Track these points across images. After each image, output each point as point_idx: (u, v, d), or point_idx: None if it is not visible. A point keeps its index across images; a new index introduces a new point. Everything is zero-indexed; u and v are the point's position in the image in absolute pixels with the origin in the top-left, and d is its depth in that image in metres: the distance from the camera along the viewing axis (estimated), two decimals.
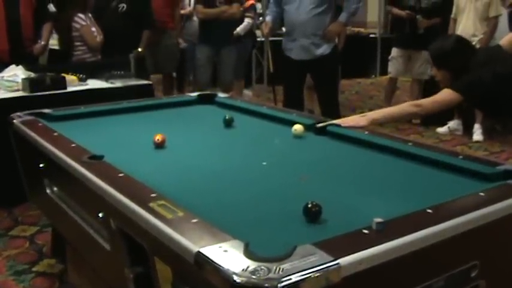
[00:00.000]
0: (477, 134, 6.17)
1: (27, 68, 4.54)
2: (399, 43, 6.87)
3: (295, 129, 2.77)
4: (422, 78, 6.85)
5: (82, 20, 5.27)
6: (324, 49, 5.05)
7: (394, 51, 6.90)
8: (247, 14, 7.24)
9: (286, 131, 2.86)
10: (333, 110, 5.13)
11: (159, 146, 2.55)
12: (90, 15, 5.45)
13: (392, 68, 6.97)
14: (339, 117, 5.15)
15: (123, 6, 5.64)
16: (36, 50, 5.19)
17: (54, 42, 6.50)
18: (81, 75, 4.57)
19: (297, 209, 1.71)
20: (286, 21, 5.20)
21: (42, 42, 5.24)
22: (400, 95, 8.17)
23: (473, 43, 5.88)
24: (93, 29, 5.36)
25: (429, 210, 1.67)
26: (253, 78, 9.30)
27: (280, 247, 1.39)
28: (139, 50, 5.59)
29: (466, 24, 6.05)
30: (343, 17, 5.11)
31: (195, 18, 6.73)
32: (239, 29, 7.06)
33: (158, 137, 2.55)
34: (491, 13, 5.96)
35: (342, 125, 2.81)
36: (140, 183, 1.93)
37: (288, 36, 5.19)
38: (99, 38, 5.37)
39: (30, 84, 4.18)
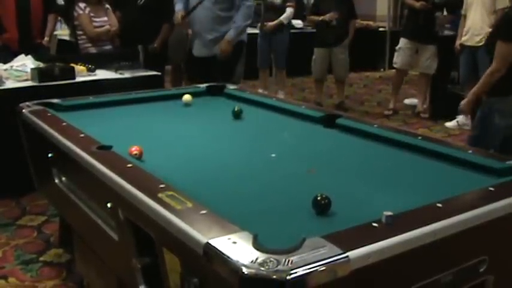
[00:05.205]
0: None
1: (36, 58, 4.54)
2: (408, 34, 6.82)
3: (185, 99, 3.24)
4: (429, 73, 6.81)
5: (80, 9, 5.26)
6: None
7: (402, 42, 6.84)
8: (289, 4, 7.20)
9: (296, 123, 2.85)
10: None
11: (137, 157, 2.21)
12: (108, 6, 5.43)
13: (398, 58, 6.91)
14: None
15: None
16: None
17: (63, 33, 6.50)
18: (90, 66, 4.57)
19: (306, 202, 1.71)
20: (191, 16, 5.05)
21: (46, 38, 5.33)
22: (408, 88, 8.14)
23: (481, 37, 5.89)
24: (98, 19, 5.31)
25: (439, 205, 1.66)
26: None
27: (289, 239, 1.38)
28: (155, 45, 5.58)
29: (474, 18, 6.00)
30: (230, 34, 4.90)
31: None
32: (282, 18, 7.08)
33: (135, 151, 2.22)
34: (498, 5, 5.89)
35: None
36: (149, 173, 1.93)
37: (192, 32, 5.15)
38: (105, 28, 5.33)
39: (39, 74, 4.19)
